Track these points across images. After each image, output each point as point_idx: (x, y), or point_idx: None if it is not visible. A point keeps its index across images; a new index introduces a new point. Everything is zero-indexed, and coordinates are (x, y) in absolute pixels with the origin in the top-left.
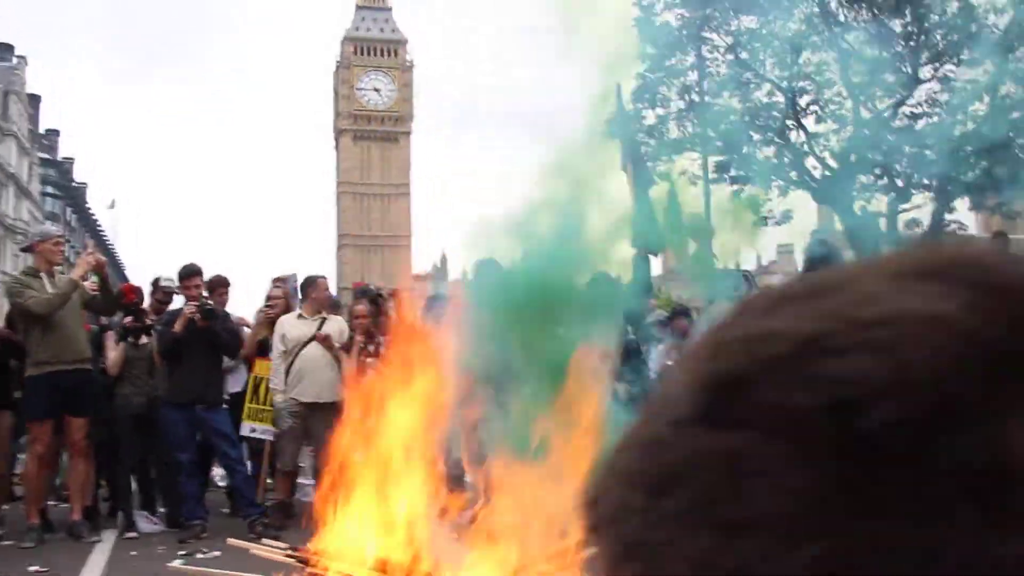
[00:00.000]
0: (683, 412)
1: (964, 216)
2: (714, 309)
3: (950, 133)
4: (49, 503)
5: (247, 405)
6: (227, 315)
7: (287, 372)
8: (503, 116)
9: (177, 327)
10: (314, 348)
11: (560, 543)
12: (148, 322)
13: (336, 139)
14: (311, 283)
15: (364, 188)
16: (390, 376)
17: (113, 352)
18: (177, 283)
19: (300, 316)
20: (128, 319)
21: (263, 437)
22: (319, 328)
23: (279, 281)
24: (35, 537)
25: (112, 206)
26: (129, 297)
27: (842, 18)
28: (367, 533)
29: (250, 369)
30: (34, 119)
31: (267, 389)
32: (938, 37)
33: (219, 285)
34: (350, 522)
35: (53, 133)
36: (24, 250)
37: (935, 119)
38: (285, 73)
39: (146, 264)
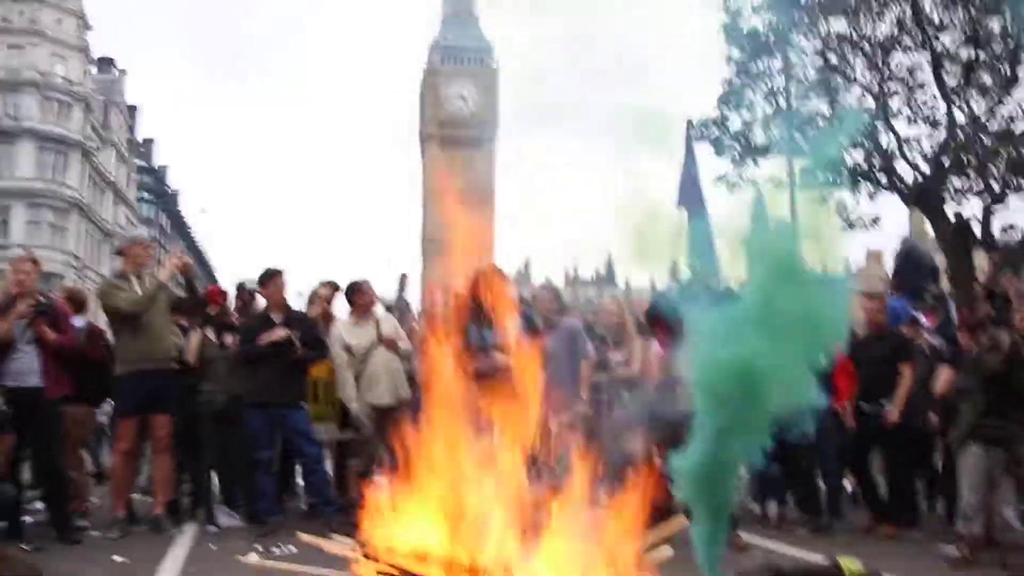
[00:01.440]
0: None
1: None
2: None
3: None
4: (134, 496)
5: (309, 408)
6: (308, 321)
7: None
8: (587, 120)
9: (263, 341)
10: (382, 352)
11: (628, 547)
12: (235, 320)
13: (422, 145)
14: (356, 289)
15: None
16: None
17: (194, 340)
18: (259, 285)
19: (356, 324)
20: (211, 310)
21: (326, 437)
22: (377, 331)
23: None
24: (120, 529)
25: (204, 211)
26: (215, 300)
27: (936, 19)
28: (434, 530)
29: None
30: (132, 129)
31: (324, 390)
32: None
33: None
34: (418, 519)
35: (149, 142)
36: (116, 254)
37: None
38: (375, 79)
39: (237, 268)
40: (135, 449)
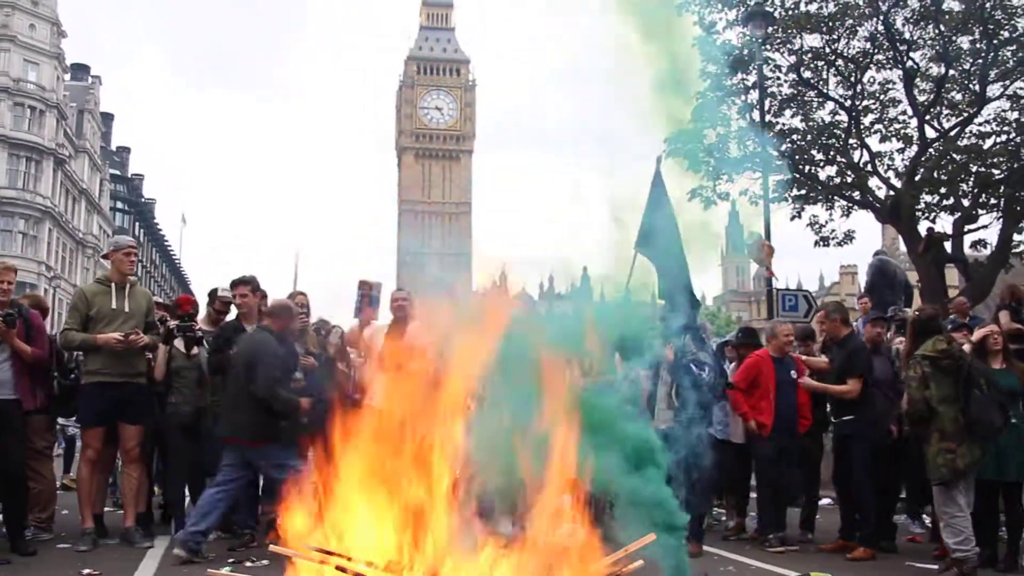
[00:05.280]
0: None
1: None
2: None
3: (1019, 152)
4: (105, 509)
5: None
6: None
7: None
8: (562, 135)
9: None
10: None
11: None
12: (200, 333)
13: (398, 157)
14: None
15: (425, 206)
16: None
17: (160, 355)
18: (231, 291)
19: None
20: (175, 322)
21: None
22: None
23: (365, 286)
24: (89, 541)
25: (184, 222)
26: (185, 308)
27: (908, 36)
28: (391, 534)
29: None
30: (106, 137)
31: None
32: (1008, 54)
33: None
34: (375, 525)
35: (124, 150)
36: (103, 258)
37: (1003, 137)
38: (350, 90)
39: (211, 277)
40: (102, 459)
